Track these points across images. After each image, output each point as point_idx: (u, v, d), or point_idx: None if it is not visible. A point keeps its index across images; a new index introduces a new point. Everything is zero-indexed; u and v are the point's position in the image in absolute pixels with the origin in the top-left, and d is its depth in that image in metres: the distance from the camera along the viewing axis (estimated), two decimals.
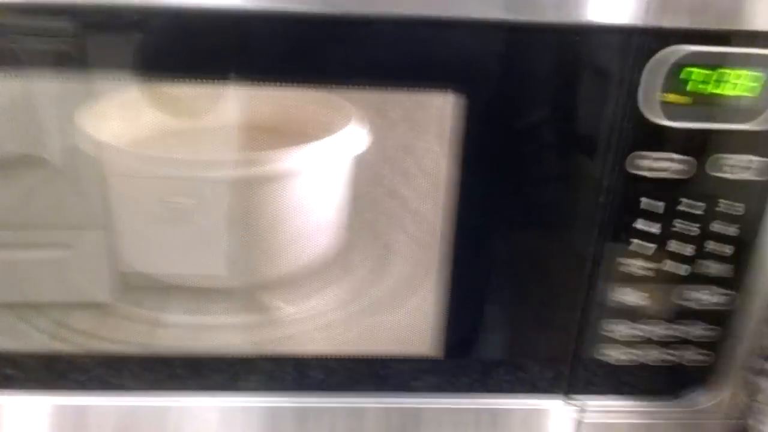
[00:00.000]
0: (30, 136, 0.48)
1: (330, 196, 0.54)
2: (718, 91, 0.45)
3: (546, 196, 0.49)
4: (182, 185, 0.52)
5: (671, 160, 0.46)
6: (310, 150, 0.52)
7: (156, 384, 0.55)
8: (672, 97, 0.45)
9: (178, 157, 0.52)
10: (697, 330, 0.52)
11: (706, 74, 0.44)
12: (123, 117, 0.49)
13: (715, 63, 0.44)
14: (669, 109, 0.45)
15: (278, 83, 0.45)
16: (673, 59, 0.44)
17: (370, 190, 0.51)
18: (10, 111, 0.47)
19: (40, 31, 0.43)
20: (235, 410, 0.55)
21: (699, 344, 0.53)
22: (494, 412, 0.56)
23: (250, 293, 0.55)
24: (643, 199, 0.47)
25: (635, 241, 0.48)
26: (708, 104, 0.45)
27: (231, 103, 0.48)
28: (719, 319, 0.52)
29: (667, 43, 0.44)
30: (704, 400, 0.55)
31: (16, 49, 0.43)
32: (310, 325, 0.55)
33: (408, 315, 0.54)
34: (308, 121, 0.50)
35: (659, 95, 0.45)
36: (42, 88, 0.46)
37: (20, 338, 0.53)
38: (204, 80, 0.45)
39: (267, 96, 0.47)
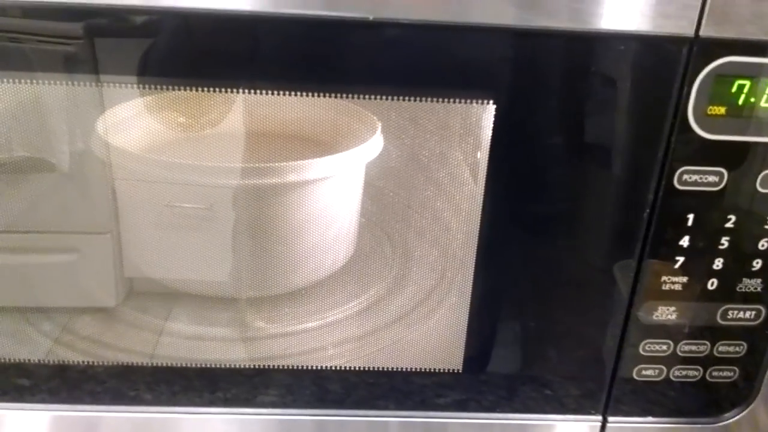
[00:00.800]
0: (40, 140, 0.48)
1: (349, 206, 0.53)
2: None
3: (585, 211, 0.47)
4: (196, 192, 0.51)
5: (719, 175, 0.45)
6: (332, 160, 0.51)
7: (171, 396, 0.54)
8: (722, 110, 0.43)
9: (194, 163, 0.50)
10: (737, 348, 0.51)
11: (759, 86, 0.43)
12: (138, 122, 0.48)
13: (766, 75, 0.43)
14: (719, 123, 0.44)
15: (300, 91, 0.43)
16: (724, 71, 0.42)
17: (391, 201, 0.50)
18: (20, 115, 0.46)
19: (51, 34, 0.42)
20: (252, 422, 0.54)
21: (735, 362, 0.51)
22: (523, 429, 0.55)
23: (267, 304, 0.54)
24: (690, 216, 0.46)
25: (680, 258, 0.47)
26: (760, 118, 0.44)
27: (254, 109, 0.47)
28: (758, 336, 0.51)
29: (720, 55, 0.42)
30: (741, 419, 0.54)
31: (27, 52, 0.42)
32: (329, 339, 0.54)
33: (431, 329, 0.53)
34: (332, 130, 0.49)
35: (709, 108, 0.43)
36: (52, 93, 0.45)
37: (29, 345, 0.52)
38: (224, 87, 0.44)
39: (290, 103, 0.46)
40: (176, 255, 0.54)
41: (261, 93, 0.43)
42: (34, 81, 0.43)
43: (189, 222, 0.52)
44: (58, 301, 0.53)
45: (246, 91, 0.43)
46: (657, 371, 0.51)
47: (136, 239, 0.53)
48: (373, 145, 0.48)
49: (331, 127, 0.48)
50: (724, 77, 0.43)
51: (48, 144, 0.48)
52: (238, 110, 0.47)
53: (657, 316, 0.49)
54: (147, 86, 0.44)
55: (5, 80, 0.43)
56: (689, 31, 0.41)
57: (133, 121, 0.48)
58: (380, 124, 0.47)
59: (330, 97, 0.43)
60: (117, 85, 0.44)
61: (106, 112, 0.46)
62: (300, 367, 0.53)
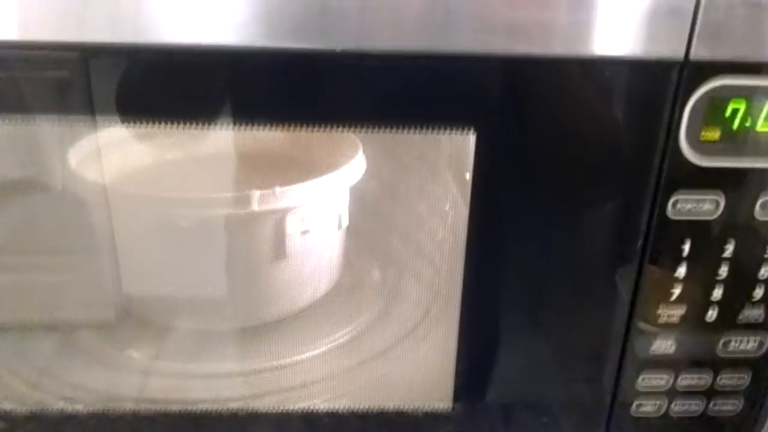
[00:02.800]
0: (32, 165, 0.47)
1: (333, 235, 0.52)
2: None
3: (574, 242, 0.45)
4: (177, 217, 0.51)
5: (715, 203, 0.43)
6: (313, 185, 0.50)
7: None
8: (717, 135, 0.41)
9: (173, 194, 0.50)
10: (740, 380, 0.49)
11: (755, 109, 0.41)
12: (121, 150, 0.48)
13: (763, 97, 0.41)
14: (714, 148, 0.42)
15: (278, 125, 0.42)
16: (717, 93, 0.40)
17: (374, 229, 0.49)
18: (13, 134, 0.45)
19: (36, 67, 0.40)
20: None
21: (738, 394, 0.50)
22: None
23: (249, 337, 0.53)
24: (686, 245, 0.44)
25: (676, 290, 0.45)
26: (756, 142, 0.42)
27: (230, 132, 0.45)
28: (762, 366, 0.49)
29: (712, 77, 0.40)
30: None
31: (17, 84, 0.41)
32: (314, 374, 0.52)
33: (418, 363, 0.51)
34: (314, 149, 0.49)
35: (702, 132, 0.41)
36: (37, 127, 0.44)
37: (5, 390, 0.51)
38: (199, 123, 0.42)
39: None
40: (168, 274, 0.53)
41: (236, 128, 0.41)
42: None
43: (179, 240, 0.51)
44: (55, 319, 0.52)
45: (221, 126, 0.41)
46: (656, 407, 0.49)
47: (130, 259, 0.51)
48: (356, 167, 0.47)
49: (311, 147, 0.48)
50: (717, 100, 0.41)
51: (42, 168, 0.47)
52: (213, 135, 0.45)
53: (654, 350, 0.47)
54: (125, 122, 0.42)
55: None
56: (679, 54, 0.39)
57: (118, 148, 0.47)
58: (361, 146, 0.46)
59: (308, 129, 0.41)
60: (100, 120, 0.42)
61: (88, 143, 0.46)
62: (286, 406, 0.51)
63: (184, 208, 0.50)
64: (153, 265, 0.53)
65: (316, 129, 0.41)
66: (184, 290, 0.53)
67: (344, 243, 0.52)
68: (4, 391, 0.51)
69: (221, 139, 0.44)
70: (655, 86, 0.40)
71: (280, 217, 0.51)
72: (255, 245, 0.52)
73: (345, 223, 0.51)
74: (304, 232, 0.53)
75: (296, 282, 0.54)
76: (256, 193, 0.49)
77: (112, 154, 0.48)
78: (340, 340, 0.53)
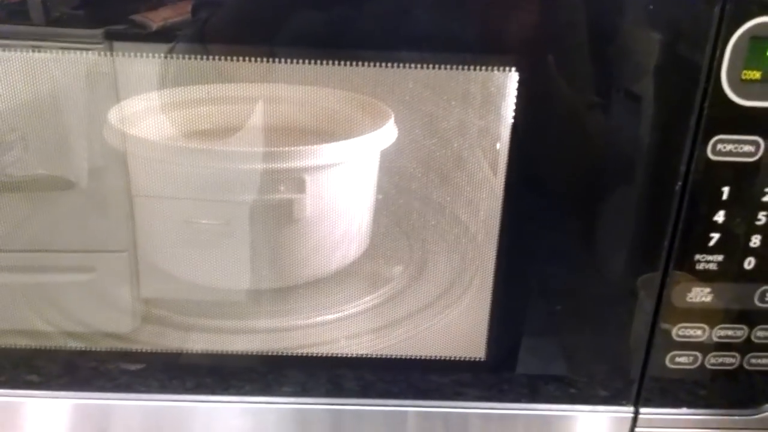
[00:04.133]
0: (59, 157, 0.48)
1: (363, 197, 0.52)
2: None
3: (611, 183, 0.45)
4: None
5: (755, 144, 0.42)
6: (344, 146, 0.50)
7: (183, 392, 0.53)
8: (758, 75, 0.41)
9: (208, 146, 0.50)
10: None
11: None
12: (152, 119, 0.48)
13: None
14: (755, 88, 0.41)
15: (320, 59, 0.42)
16: (759, 32, 0.40)
17: (405, 194, 0.49)
18: (40, 131, 0.47)
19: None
20: (268, 412, 0.53)
21: None
22: (547, 421, 0.52)
23: (282, 297, 0.53)
24: (726, 189, 0.43)
25: (714, 235, 0.44)
26: None
27: (263, 105, 0.46)
28: None
29: (754, 15, 0.40)
30: None
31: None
32: (346, 331, 0.53)
33: (453, 319, 0.51)
34: (344, 123, 0.48)
35: (744, 73, 0.41)
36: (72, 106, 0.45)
37: (41, 338, 0.52)
38: (248, 53, 0.42)
39: (302, 98, 0.46)
40: (199, 232, 0.53)
41: (281, 61, 0.42)
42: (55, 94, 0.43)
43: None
44: (73, 324, 0.52)
45: (266, 59, 0.42)
46: (692, 358, 0.48)
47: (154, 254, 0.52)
48: (387, 133, 0.47)
49: (344, 120, 0.48)
50: (759, 39, 0.40)
51: (67, 161, 0.48)
52: (251, 107, 0.47)
53: (691, 299, 0.46)
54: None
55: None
56: None
57: (149, 117, 0.48)
58: (393, 114, 0.46)
59: (349, 65, 0.42)
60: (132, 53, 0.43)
61: (124, 109, 0.46)
62: (316, 355, 0.51)
63: (218, 161, 0.50)
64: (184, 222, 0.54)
65: (360, 64, 0.41)
66: (213, 250, 0.53)
67: (375, 207, 0.52)
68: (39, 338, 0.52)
69: (257, 108, 0.46)
70: (697, 23, 0.40)
71: (312, 176, 0.51)
72: (285, 205, 0.51)
73: (376, 186, 0.51)
74: (336, 194, 0.53)
75: (327, 244, 0.54)
76: (288, 149, 0.49)
77: (143, 124, 0.48)
78: (369, 304, 0.53)
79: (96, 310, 0.52)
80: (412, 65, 0.42)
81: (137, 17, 0.42)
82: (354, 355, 0.51)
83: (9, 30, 0.42)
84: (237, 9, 0.43)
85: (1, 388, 0.52)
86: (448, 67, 0.42)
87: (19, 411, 0.53)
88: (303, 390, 0.52)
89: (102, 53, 0.43)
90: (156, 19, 0.42)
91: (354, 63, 0.42)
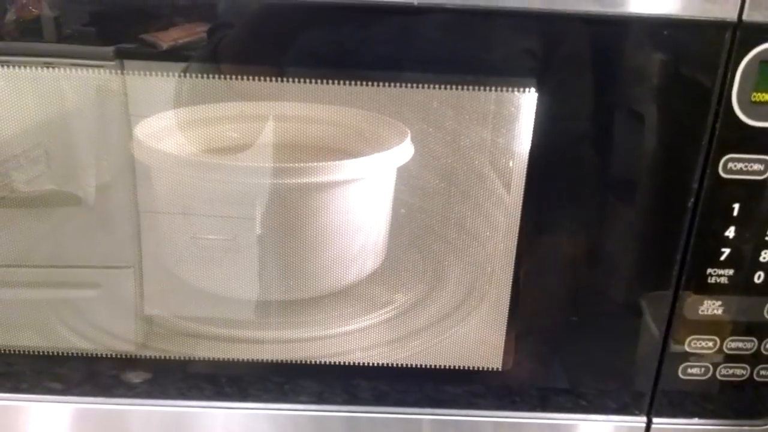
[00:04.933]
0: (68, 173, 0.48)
1: (380, 212, 0.53)
2: None
3: (625, 201, 0.46)
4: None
5: (765, 163, 0.44)
6: (363, 162, 0.51)
7: (202, 398, 0.53)
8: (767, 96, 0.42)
9: (229, 161, 0.51)
10: None
11: None
12: (173, 136, 0.49)
13: None
14: (765, 110, 0.43)
15: (343, 79, 0.44)
16: None
17: (421, 209, 0.50)
18: (50, 147, 0.47)
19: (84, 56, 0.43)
20: (285, 418, 0.53)
21: None
22: (559, 429, 0.53)
23: (296, 309, 0.54)
24: (736, 205, 0.45)
25: (725, 250, 0.46)
26: None
27: (283, 122, 0.48)
28: None
29: (764, 40, 0.42)
30: None
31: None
32: (360, 343, 0.53)
33: (467, 334, 0.52)
34: (362, 140, 0.49)
35: (754, 95, 0.42)
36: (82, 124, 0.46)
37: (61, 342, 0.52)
38: (269, 75, 0.44)
39: (320, 115, 0.47)
40: (217, 241, 0.53)
41: (303, 81, 0.43)
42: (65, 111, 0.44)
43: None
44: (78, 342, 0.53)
45: (287, 79, 0.43)
46: (703, 370, 0.49)
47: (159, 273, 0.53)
48: (404, 150, 0.49)
49: (360, 138, 0.49)
50: None
51: (75, 177, 0.49)
52: (268, 125, 0.48)
53: (703, 311, 0.47)
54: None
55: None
56: (732, 15, 0.41)
57: (169, 133, 0.49)
58: (409, 132, 0.47)
59: (371, 85, 0.43)
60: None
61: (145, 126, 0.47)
62: (332, 363, 0.52)
63: (239, 176, 0.51)
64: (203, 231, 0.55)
65: (383, 84, 0.43)
66: (228, 257, 0.54)
67: (391, 222, 0.53)
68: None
69: (274, 126, 0.47)
70: (709, 47, 0.42)
71: (329, 192, 0.52)
72: (305, 218, 0.52)
73: (393, 201, 0.53)
74: (354, 209, 0.54)
75: (346, 257, 0.55)
76: (308, 165, 0.50)
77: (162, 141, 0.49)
78: (386, 316, 0.54)
79: (115, 316, 0.53)
80: (434, 86, 0.44)
81: (147, 37, 0.43)
82: (370, 365, 0.52)
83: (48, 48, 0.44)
84: (249, 30, 0.44)
85: (24, 393, 0.53)
86: (469, 87, 0.44)
87: (39, 416, 0.54)
88: (319, 398, 0.53)
89: (113, 71, 0.44)
90: (166, 39, 0.43)
91: (372, 83, 0.44)
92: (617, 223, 0.47)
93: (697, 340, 0.48)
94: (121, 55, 0.43)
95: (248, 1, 0.43)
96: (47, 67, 0.44)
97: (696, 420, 0.51)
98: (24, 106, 0.46)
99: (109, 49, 0.43)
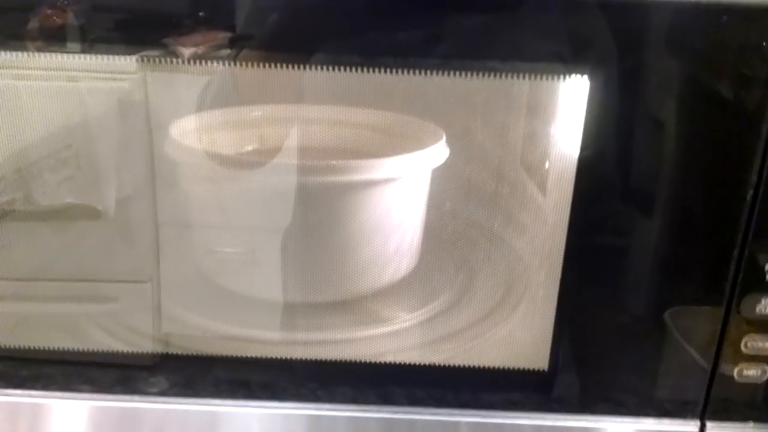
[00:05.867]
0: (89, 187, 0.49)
1: (415, 212, 0.52)
2: None
3: (679, 190, 0.45)
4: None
5: None
6: (396, 161, 0.51)
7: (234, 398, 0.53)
8: None
9: (265, 158, 0.50)
10: None
11: None
12: (203, 137, 0.49)
13: None
14: None
15: (392, 67, 0.43)
16: None
17: (458, 209, 0.49)
18: (71, 161, 0.48)
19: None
20: (320, 419, 0.53)
21: None
22: None
23: (328, 311, 0.53)
24: None
25: None
26: None
27: (311, 128, 0.47)
28: None
29: None
30: None
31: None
32: (396, 344, 0.52)
33: (512, 334, 0.51)
34: (395, 145, 0.49)
35: None
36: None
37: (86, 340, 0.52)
38: (310, 64, 0.43)
39: (353, 119, 0.47)
40: (251, 240, 0.53)
41: (348, 70, 0.43)
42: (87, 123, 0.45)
43: (266, 206, 0.52)
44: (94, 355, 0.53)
45: (324, 67, 0.43)
46: (760, 371, 0.47)
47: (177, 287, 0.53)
48: (440, 150, 0.48)
49: (395, 141, 0.49)
50: None
51: (97, 190, 0.49)
52: (296, 132, 0.48)
53: (760, 309, 0.45)
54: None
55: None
56: None
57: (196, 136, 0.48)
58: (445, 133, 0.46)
59: (417, 74, 0.42)
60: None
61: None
62: (368, 363, 0.52)
63: (273, 174, 0.50)
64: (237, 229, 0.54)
65: (431, 72, 0.42)
66: (260, 257, 0.53)
67: (427, 223, 0.52)
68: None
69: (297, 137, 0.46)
70: (763, 29, 0.40)
71: (367, 191, 0.52)
72: (340, 218, 0.52)
73: (431, 200, 0.51)
74: (389, 207, 0.53)
75: (379, 259, 0.54)
76: (344, 163, 0.50)
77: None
78: (424, 317, 0.53)
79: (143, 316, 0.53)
80: (481, 74, 0.42)
81: (169, 41, 0.43)
82: (407, 365, 0.52)
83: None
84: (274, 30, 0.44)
85: (53, 391, 0.52)
86: (518, 76, 0.42)
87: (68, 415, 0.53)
88: (354, 399, 0.52)
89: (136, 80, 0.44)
90: (188, 45, 0.43)
91: (416, 72, 0.43)
92: (671, 216, 0.45)
93: (754, 340, 0.46)
94: (144, 63, 0.43)
95: None
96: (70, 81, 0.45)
97: (751, 424, 0.50)
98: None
99: (132, 58, 0.43)
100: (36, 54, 0.44)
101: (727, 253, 0.45)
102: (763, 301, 0.45)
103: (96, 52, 0.43)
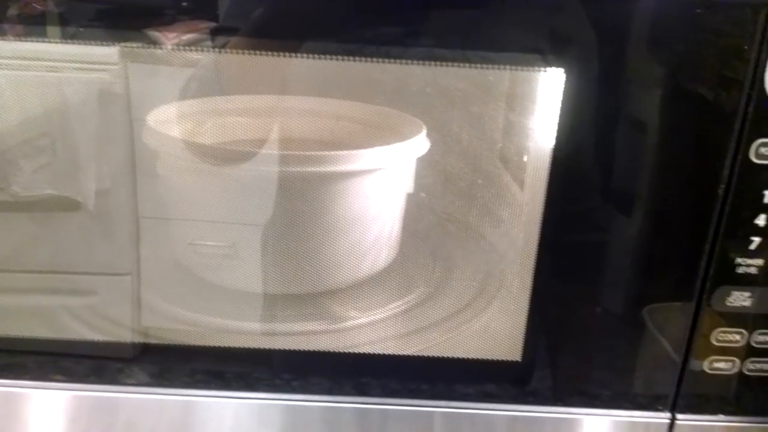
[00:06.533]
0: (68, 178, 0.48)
1: (393, 204, 0.52)
2: None
3: (652, 186, 0.45)
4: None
5: None
6: (378, 151, 0.51)
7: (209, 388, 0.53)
8: None
9: (242, 148, 0.50)
10: None
11: None
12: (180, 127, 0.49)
13: None
14: None
15: (365, 56, 0.43)
16: None
17: (436, 201, 0.49)
18: (50, 151, 0.47)
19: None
20: (296, 409, 0.53)
21: None
22: (579, 425, 0.52)
23: (307, 302, 0.53)
24: (767, 192, 0.43)
25: (756, 238, 0.44)
26: None
27: (293, 118, 0.47)
28: None
29: None
30: None
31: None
32: (376, 334, 0.52)
33: (487, 326, 0.51)
34: (374, 137, 0.49)
35: None
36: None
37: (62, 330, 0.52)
38: (291, 54, 0.43)
39: (333, 111, 0.47)
40: (226, 232, 0.53)
41: (325, 58, 0.43)
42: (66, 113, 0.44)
43: (241, 195, 0.51)
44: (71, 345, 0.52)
45: (309, 55, 0.43)
46: (730, 364, 0.48)
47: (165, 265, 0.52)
48: (419, 142, 0.48)
49: (374, 133, 0.48)
50: None
51: (75, 182, 0.48)
52: (276, 123, 0.47)
53: (730, 302, 0.46)
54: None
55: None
56: None
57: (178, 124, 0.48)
58: (425, 127, 0.46)
59: (394, 63, 0.42)
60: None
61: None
62: (344, 353, 0.52)
63: (253, 165, 0.50)
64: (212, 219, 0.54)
65: (409, 62, 0.42)
66: (240, 249, 0.53)
67: (405, 215, 0.52)
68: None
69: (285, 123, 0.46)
70: (741, 28, 0.41)
71: (345, 182, 0.52)
72: (318, 209, 0.52)
73: (409, 192, 0.52)
74: (368, 199, 0.53)
75: (357, 251, 0.54)
76: (322, 154, 0.50)
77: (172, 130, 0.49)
78: (395, 311, 0.53)
79: (121, 306, 0.53)
80: (458, 65, 0.43)
81: (152, 32, 0.43)
82: (383, 356, 0.52)
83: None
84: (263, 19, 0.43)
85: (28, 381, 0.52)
86: (494, 67, 0.43)
87: (43, 404, 0.53)
88: (329, 390, 0.52)
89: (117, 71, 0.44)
90: (171, 34, 0.43)
91: (394, 61, 0.43)
92: (644, 210, 0.46)
93: (725, 332, 0.47)
94: (126, 53, 0.43)
95: None
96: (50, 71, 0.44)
97: (721, 417, 0.50)
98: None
99: (114, 48, 0.43)
100: (15, 41, 0.43)
101: (699, 247, 0.46)
102: (733, 294, 0.46)
103: (77, 40, 0.43)
